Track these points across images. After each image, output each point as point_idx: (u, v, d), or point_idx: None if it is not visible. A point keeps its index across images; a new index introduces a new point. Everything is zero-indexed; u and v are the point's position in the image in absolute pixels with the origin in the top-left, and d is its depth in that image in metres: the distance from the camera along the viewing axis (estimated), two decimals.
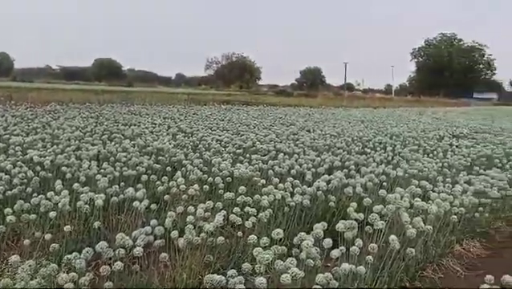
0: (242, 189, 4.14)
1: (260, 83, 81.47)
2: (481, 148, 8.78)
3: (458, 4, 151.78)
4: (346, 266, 2.78)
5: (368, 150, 7.82)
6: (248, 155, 6.45)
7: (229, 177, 4.98)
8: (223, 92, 43.76)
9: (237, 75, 74.48)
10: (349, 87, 74.07)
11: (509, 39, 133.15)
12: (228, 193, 4.08)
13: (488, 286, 2.45)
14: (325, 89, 68.01)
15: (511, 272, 2.88)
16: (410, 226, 3.47)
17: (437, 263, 4.20)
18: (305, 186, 4.57)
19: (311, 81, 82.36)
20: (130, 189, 4.08)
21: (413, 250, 3.33)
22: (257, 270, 2.65)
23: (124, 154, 5.75)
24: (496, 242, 5.15)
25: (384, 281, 3.32)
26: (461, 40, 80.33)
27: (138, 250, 2.88)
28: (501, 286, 2.59)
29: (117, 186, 4.32)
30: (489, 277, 2.70)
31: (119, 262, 2.72)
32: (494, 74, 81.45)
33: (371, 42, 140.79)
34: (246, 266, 2.73)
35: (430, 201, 4.29)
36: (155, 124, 10.31)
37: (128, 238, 2.96)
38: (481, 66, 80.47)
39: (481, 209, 5.02)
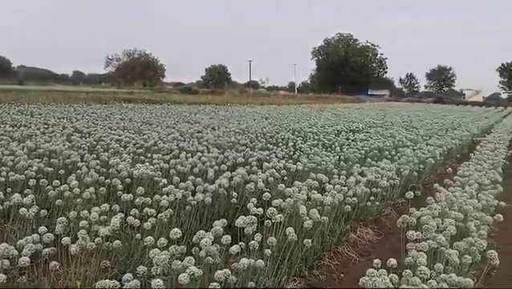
0: (141, 189, 4.01)
1: (164, 80, 79.63)
2: (374, 142, 9.40)
3: (354, 6, 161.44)
4: (245, 260, 2.81)
5: (271, 146, 8.01)
6: (149, 154, 6.28)
7: (128, 178, 4.80)
8: (125, 90, 41.98)
9: (139, 73, 71.91)
10: (254, 84, 75.49)
11: (397, 40, 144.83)
12: (126, 194, 3.93)
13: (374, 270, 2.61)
14: (231, 87, 68.56)
15: (397, 255, 3.12)
16: (307, 218, 3.61)
17: (334, 251, 4.43)
18: (207, 184, 4.56)
19: (217, 79, 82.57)
20: (16, 195, 3.75)
21: (310, 240, 3.46)
22: (154, 272, 2.58)
23: (11, 157, 5.30)
24: (386, 227, 5.56)
25: (284, 272, 3.42)
26: (356, 40, 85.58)
27: (24, 260, 2.66)
28: (387, 268, 2.78)
29: (1, 193, 3.95)
30: (376, 261, 2.88)
31: (1, 275, 2.49)
32: (386, 72, 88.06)
33: (275, 41, 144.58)
34: (142, 269, 2.65)
35: (326, 193, 4.50)
36: (48, 124, 9.63)
37: (12, 247, 2.73)
38: (374, 64, 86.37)
39: (372, 198, 5.36)
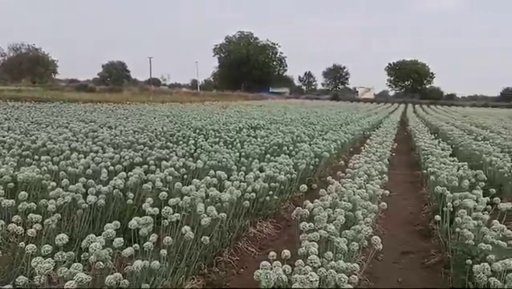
0: (23, 194, 3.69)
1: (57, 77, 74.06)
2: (274, 138, 9.65)
3: (255, 5, 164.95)
4: (138, 262, 2.72)
5: (171, 144, 7.87)
6: (37, 156, 5.83)
7: (11, 182, 4.40)
8: (12, 88, 38.50)
9: (28, 69, 66.04)
10: (155, 82, 73.62)
11: (297, 39, 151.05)
12: (7, 200, 3.59)
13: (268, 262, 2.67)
14: (130, 84, 66.03)
15: (294, 247, 3.22)
16: (205, 215, 3.59)
17: (234, 247, 4.48)
18: (100, 186, 4.33)
19: (115, 76, 79.16)
20: None
21: (208, 238, 3.45)
22: (37, 282, 2.39)
23: None
24: (285, 220, 5.75)
25: (182, 271, 3.37)
26: (257, 38, 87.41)
27: None
28: (281, 259, 2.86)
29: None
30: (272, 253, 2.95)
31: None
32: (286, 70, 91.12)
33: (176, 38, 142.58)
34: (21, 279, 2.44)
35: (226, 190, 4.51)
36: None
37: None
38: (275, 63, 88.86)
39: (271, 192, 5.50)
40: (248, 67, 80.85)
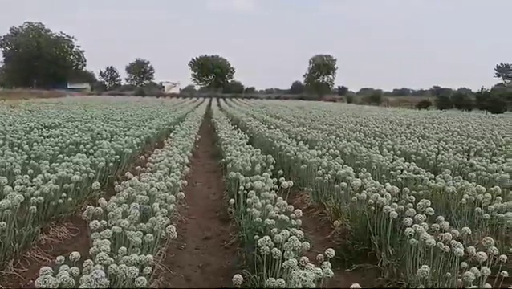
0: None
1: None
2: (70, 136, 9.01)
3: None
4: None
5: None
6: None
7: None
8: None
9: None
10: None
11: (96, 33, 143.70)
12: None
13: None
14: None
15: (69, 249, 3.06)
16: None
17: (21, 258, 4.05)
18: None
19: None
20: None
21: None
22: None
23: None
24: (83, 222, 5.41)
25: None
26: (49, 31, 79.52)
27: None
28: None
29: None
30: (59, 257, 2.76)
31: None
32: (85, 65, 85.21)
33: None
34: None
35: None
36: None
37: None
38: (72, 57, 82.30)
39: (64, 194, 5.12)
40: (40, 62, 73.09)
